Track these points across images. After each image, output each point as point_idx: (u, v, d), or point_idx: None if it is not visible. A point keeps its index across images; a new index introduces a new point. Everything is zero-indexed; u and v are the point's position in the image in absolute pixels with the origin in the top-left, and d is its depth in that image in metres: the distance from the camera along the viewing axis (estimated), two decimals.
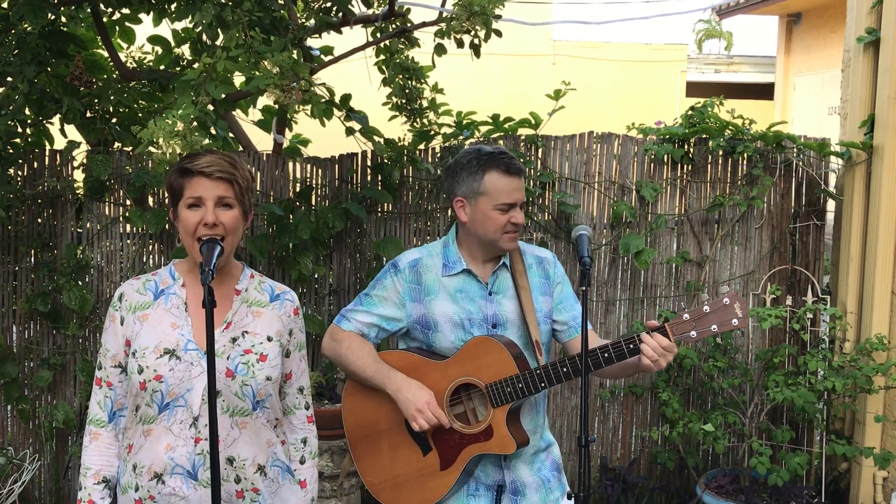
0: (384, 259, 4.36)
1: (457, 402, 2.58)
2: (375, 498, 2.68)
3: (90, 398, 2.30)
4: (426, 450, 2.58)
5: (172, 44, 4.65)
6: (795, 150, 4.62)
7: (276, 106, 4.03)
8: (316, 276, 4.50)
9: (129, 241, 4.40)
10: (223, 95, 3.45)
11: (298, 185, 4.49)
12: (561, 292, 2.69)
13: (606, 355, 2.43)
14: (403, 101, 4.13)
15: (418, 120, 4.21)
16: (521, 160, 4.45)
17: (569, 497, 2.57)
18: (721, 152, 4.62)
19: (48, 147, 4.41)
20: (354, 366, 2.60)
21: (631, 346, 2.41)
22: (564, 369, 2.46)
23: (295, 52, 3.82)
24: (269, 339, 2.27)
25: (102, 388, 2.26)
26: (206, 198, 2.16)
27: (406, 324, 2.63)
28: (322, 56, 4.44)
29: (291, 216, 4.28)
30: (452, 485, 2.54)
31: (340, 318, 2.67)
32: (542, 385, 2.47)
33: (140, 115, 4.64)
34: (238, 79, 3.90)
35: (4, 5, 4.05)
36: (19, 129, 4.25)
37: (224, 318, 2.24)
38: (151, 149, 3.28)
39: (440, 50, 3.71)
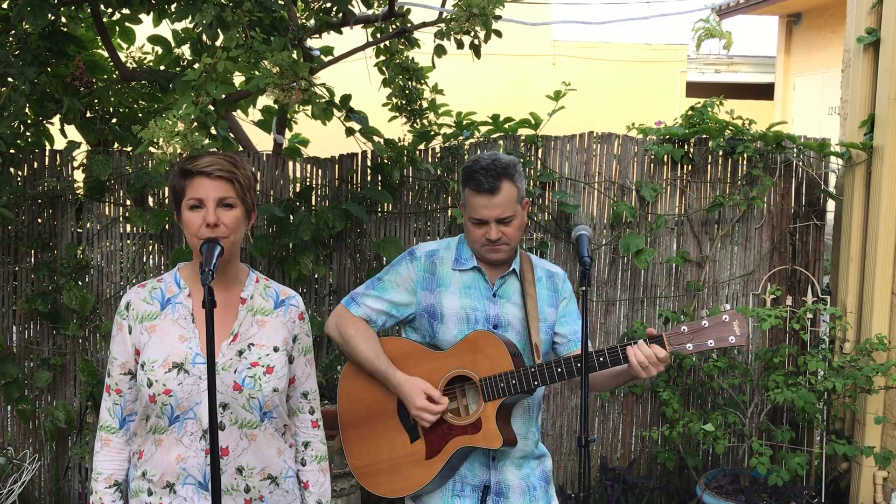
0: (384, 259, 4.36)
1: (450, 397, 2.60)
2: (359, 481, 2.68)
3: (98, 402, 2.30)
4: (414, 437, 2.60)
5: (172, 44, 4.65)
6: (795, 150, 4.62)
7: (276, 106, 4.03)
8: (316, 276, 4.50)
9: (129, 242, 4.40)
10: (223, 96, 3.45)
11: (298, 185, 4.49)
12: (566, 307, 2.72)
13: (602, 359, 2.45)
14: (403, 101, 4.13)
15: (418, 121, 4.21)
16: (522, 160, 4.45)
17: (568, 498, 2.58)
18: (721, 152, 4.63)
19: (48, 147, 4.41)
20: (360, 355, 2.64)
21: (626, 349, 2.42)
22: (559, 369, 2.48)
23: (295, 52, 3.82)
24: (276, 349, 2.26)
25: (112, 395, 2.27)
26: (206, 198, 2.15)
27: (414, 310, 2.65)
28: (322, 56, 4.44)
29: (292, 217, 4.28)
30: (435, 475, 2.55)
31: (350, 301, 2.70)
32: (536, 383, 2.49)
33: (140, 115, 4.64)
34: (238, 79, 3.90)
35: (4, 6, 4.05)
36: (20, 130, 4.24)
37: (230, 329, 2.24)
38: (152, 149, 3.29)
39: (440, 51, 3.71)
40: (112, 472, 2.25)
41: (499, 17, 3.50)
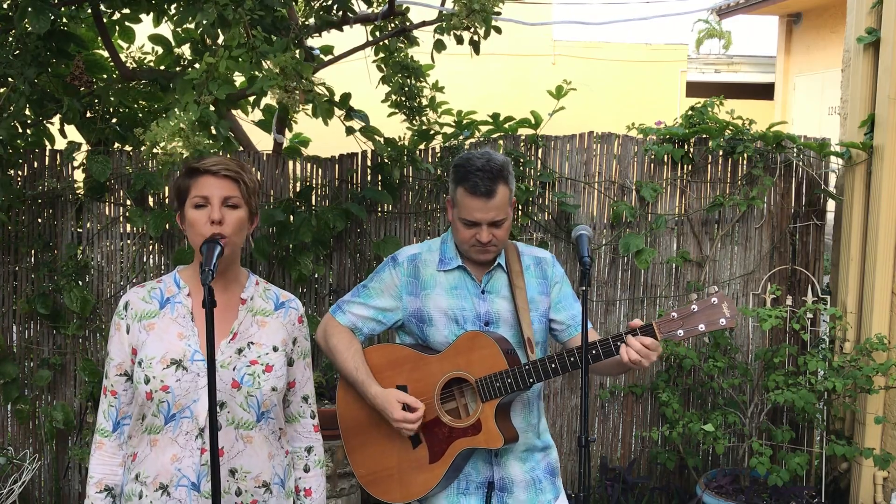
0: (384, 259, 4.36)
1: (449, 399, 2.60)
2: (365, 489, 2.69)
3: (98, 401, 2.30)
4: (416, 442, 2.60)
5: (173, 43, 4.65)
6: (795, 150, 4.63)
7: (278, 105, 4.02)
8: (316, 276, 4.50)
9: (129, 242, 4.40)
10: (225, 96, 3.45)
11: (298, 184, 4.49)
12: (559, 292, 2.70)
13: (594, 352, 2.43)
14: (402, 98, 4.13)
15: (417, 118, 4.20)
16: (521, 160, 4.45)
17: (568, 498, 2.58)
18: (721, 152, 4.62)
19: (48, 147, 4.41)
20: (339, 366, 2.69)
21: (618, 343, 2.41)
22: (553, 365, 2.47)
23: (297, 51, 3.82)
24: (275, 349, 2.26)
25: (107, 397, 2.26)
26: (212, 196, 2.16)
27: (402, 316, 2.66)
28: (322, 56, 4.44)
29: (292, 217, 4.28)
30: (440, 479, 2.56)
31: (336, 309, 2.72)
32: (531, 380, 2.48)
33: (140, 115, 4.63)
34: (238, 78, 3.90)
35: (4, 5, 4.05)
36: (20, 130, 4.24)
37: (230, 328, 2.24)
38: (156, 150, 3.28)
39: (439, 46, 3.70)
40: (103, 477, 2.24)
41: (498, 14, 3.49)
